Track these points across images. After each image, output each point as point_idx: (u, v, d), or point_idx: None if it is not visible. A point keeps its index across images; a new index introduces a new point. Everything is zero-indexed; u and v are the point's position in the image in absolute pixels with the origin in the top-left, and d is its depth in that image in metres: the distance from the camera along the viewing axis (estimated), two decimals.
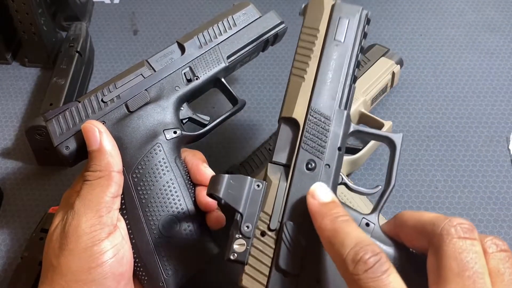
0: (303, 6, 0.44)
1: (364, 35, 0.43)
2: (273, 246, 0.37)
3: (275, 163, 0.39)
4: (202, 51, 0.50)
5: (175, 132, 0.47)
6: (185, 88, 0.48)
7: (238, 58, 0.51)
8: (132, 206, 0.44)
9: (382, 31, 0.73)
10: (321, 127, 0.39)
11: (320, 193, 0.35)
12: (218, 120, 0.50)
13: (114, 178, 0.42)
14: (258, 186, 0.38)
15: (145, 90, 0.47)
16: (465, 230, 0.30)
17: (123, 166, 0.44)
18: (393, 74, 0.62)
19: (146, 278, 0.43)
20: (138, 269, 0.43)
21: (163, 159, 0.45)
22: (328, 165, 0.38)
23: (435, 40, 0.71)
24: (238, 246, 0.36)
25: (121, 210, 0.43)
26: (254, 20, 0.52)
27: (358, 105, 0.58)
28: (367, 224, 0.37)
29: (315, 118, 0.39)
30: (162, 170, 0.45)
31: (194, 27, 0.54)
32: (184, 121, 0.50)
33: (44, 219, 0.52)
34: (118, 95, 0.47)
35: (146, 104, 0.47)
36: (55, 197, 0.58)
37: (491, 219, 0.54)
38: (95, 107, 0.46)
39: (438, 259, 0.30)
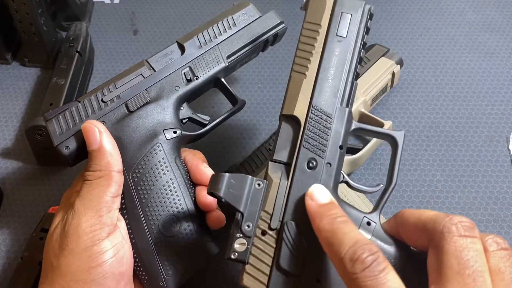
0: (304, 0, 0.43)
1: (367, 31, 0.42)
2: (274, 245, 0.36)
3: (276, 161, 0.39)
4: (202, 51, 0.50)
5: (175, 132, 0.47)
6: (185, 88, 0.48)
7: (238, 58, 0.51)
8: (132, 206, 0.44)
9: (382, 31, 0.73)
10: (323, 125, 0.39)
11: (318, 194, 0.36)
12: (218, 120, 0.50)
13: (114, 178, 0.42)
14: (259, 185, 0.38)
15: (145, 90, 0.47)
16: (466, 228, 0.30)
17: (123, 166, 0.44)
18: (393, 74, 0.62)
19: (146, 277, 0.43)
20: (138, 268, 0.43)
21: (163, 159, 0.45)
22: (330, 163, 0.38)
23: (435, 40, 0.71)
24: (238, 245, 0.36)
25: (121, 210, 0.43)
26: (254, 20, 0.51)
27: (358, 105, 0.58)
28: (369, 223, 0.37)
29: (316, 115, 0.39)
30: (162, 170, 0.45)
31: (194, 27, 0.54)
32: (184, 121, 0.49)
33: (44, 219, 0.52)
34: (118, 95, 0.47)
35: (146, 104, 0.47)
36: (55, 197, 0.57)
37: (491, 219, 0.54)
38: (95, 107, 0.46)
39: (439, 257, 0.30)
